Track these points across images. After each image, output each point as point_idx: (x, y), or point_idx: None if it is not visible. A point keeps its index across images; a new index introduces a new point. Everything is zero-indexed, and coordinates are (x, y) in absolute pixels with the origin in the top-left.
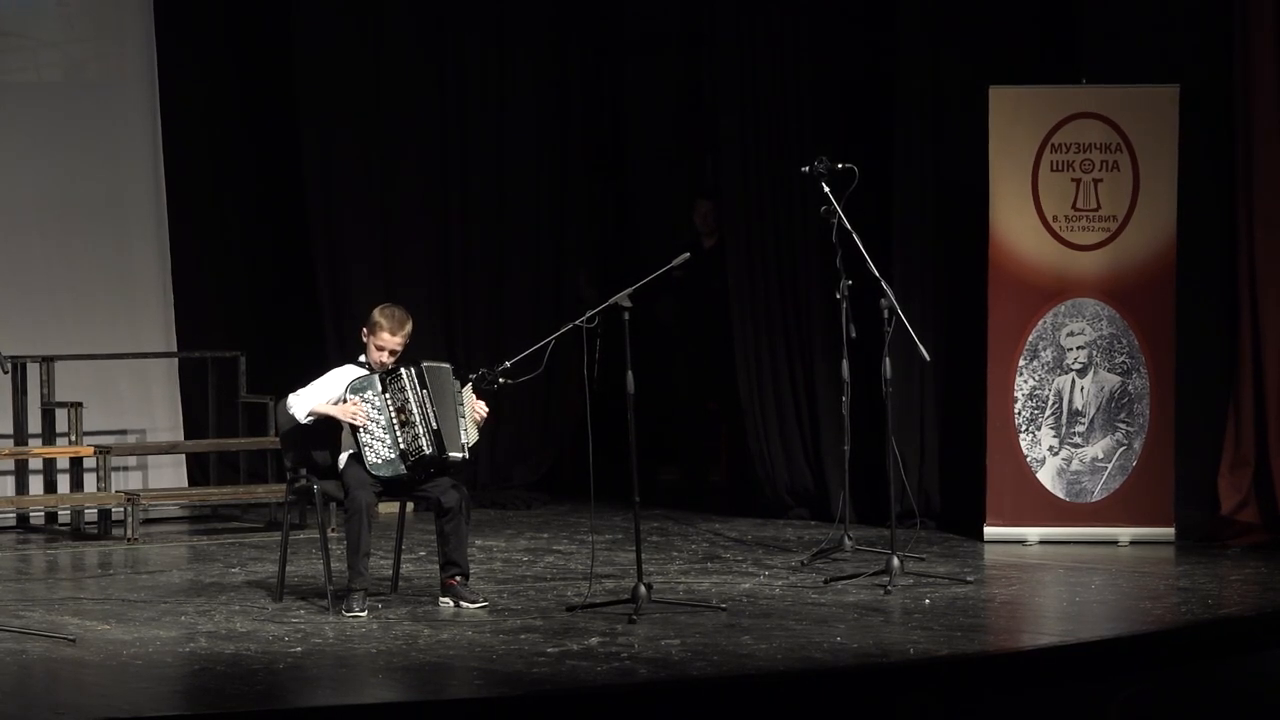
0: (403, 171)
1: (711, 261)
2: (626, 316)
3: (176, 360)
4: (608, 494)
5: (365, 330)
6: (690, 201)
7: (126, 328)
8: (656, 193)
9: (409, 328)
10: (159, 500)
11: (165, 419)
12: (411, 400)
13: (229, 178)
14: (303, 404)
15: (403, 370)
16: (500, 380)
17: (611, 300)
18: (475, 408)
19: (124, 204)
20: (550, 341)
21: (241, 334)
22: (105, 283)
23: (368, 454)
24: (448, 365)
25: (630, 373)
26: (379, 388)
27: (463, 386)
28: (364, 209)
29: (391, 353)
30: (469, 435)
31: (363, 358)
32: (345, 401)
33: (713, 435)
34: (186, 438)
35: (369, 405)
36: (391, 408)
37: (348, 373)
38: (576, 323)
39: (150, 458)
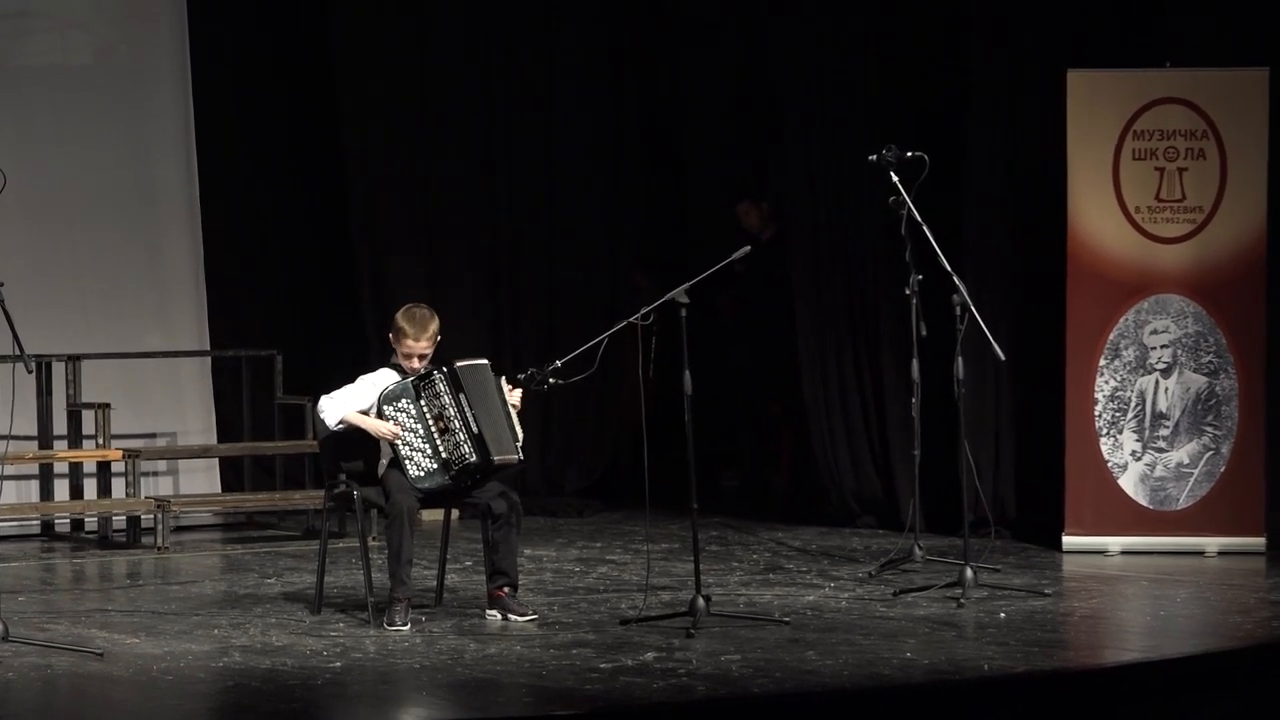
0: (447, 162)
1: (771, 253)
2: (684, 312)
3: (209, 359)
4: (664, 501)
5: (391, 336)
6: (735, 205)
7: (157, 325)
8: (716, 184)
9: (435, 327)
10: (190, 507)
11: (197, 421)
12: (449, 405)
13: (265, 167)
14: (334, 410)
15: (435, 374)
16: (550, 380)
17: (668, 295)
18: (511, 399)
19: (154, 194)
20: (604, 339)
21: (278, 332)
22: (134, 277)
23: (409, 467)
24: (484, 361)
25: (688, 372)
26: (412, 394)
27: (498, 379)
28: (406, 201)
29: (421, 357)
30: (515, 434)
31: (396, 359)
32: (379, 414)
33: (775, 438)
34: (220, 441)
35: (404, 415)
36: (429, 415)
37: (382, 379)
38: (631, 319)
39: (181, 462)
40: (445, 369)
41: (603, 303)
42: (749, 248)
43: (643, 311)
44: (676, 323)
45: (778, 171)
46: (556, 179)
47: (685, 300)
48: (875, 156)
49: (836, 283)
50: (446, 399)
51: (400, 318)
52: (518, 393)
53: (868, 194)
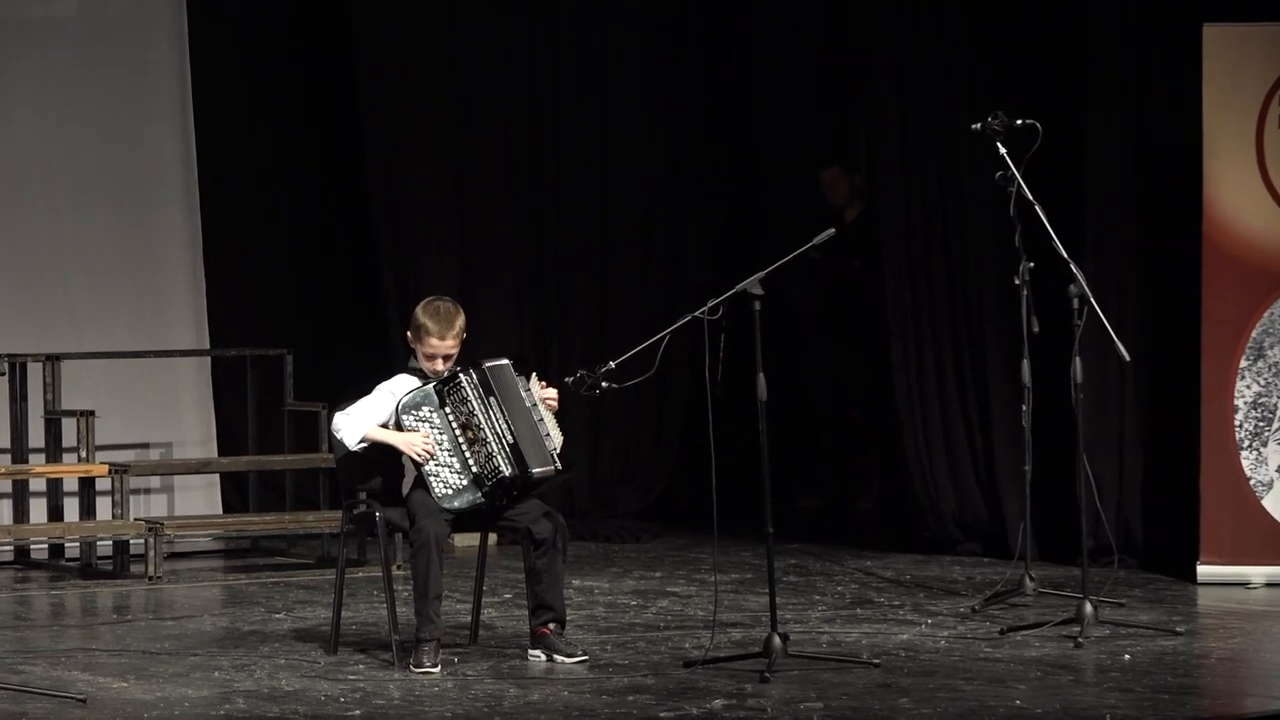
0: (483, 136)
1: (857, 237)
2: (757, 306)
3: (209, 360)
4: (734, 524)
5: (409, 335)
6: (819, 173)
7: (149, 320)
8: (792, 161)
9: (461, 323)
10: (187, 530)
11: (195, 431)
12: (478, 411)
13: (274, 141)
14: (352, 428)
15: (462, 376)
16: (603, 385)
17: (739, 287)
18: (545, 398)
19: (146, 170)
20: (664, 337)
21: (288, 330)
22: (123, 266)
23: (435, 485)
24: (505, 360)
25: (762, 375)
26: (436, 402)
27: (528, 378)
28: (437, 180)
29: (445, 358)
30: (553, 440)
31: (415, 363)
32: (398, 426)
33: (862, 452)
34: (221, 454)
35: (426, 425)
36: (455, 425)
37: (401, 385)
38: (697, 314)
39: (177, 478)
40: (473, 370)
41: (663, 296)
42: (832, 230)
43: (709, 305)
44: (749, 318)
45: (864, 142)
46: (611, 158)
47: (759, 292)
48: (980, 124)
49: (934, 271)
50: (475, 404)
51: (421, 313)
52: (553, 391)
53: (970, 168)
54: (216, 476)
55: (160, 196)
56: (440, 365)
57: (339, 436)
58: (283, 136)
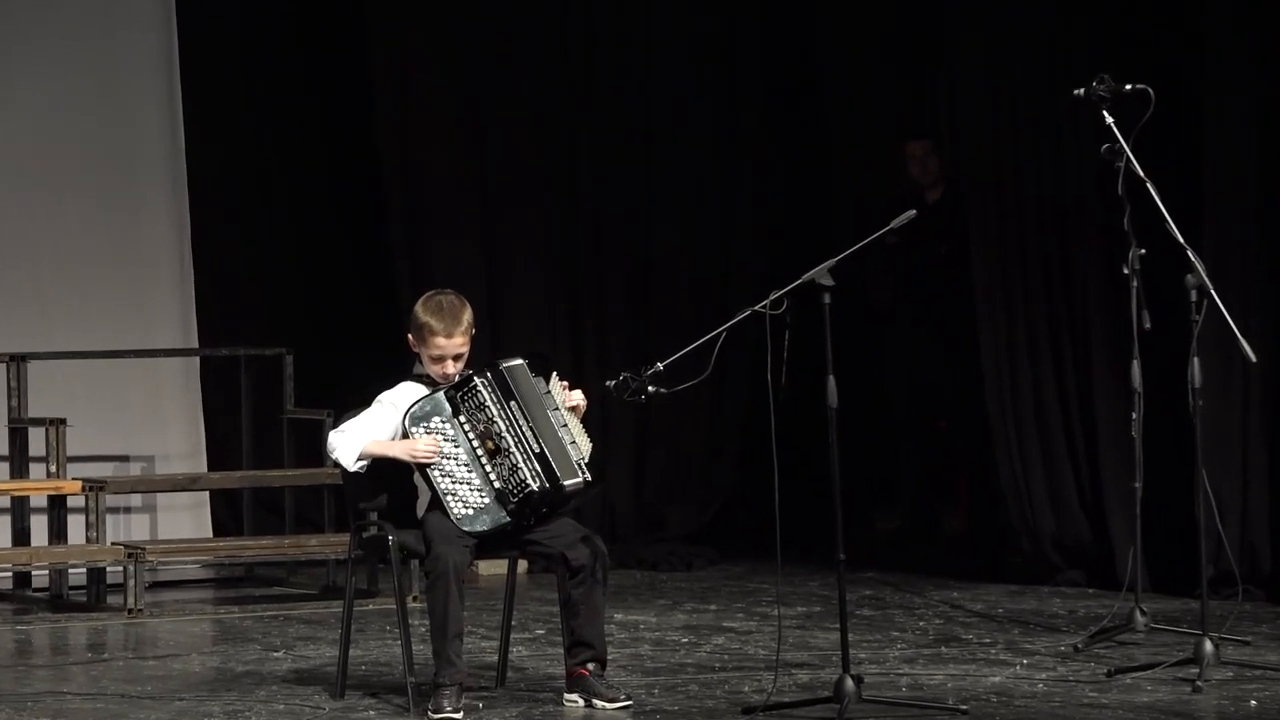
0: (509, 111)
1: (939, 220)
2: (827, 299)
3: (197, 360)
4: (800, 549)
5: (411, 338)
6: (901, 146)
7: (129, 316)
8: (864, 134)
9: (469, 317)
10: (172, 556)
11: (181, 442)
12: (498, 418)
13: (272, 115)
14: (348, 446)
15: (476, 379)
16: (649, 389)
17: (806, 277)
18: (571, 400)
19: (127, 148)
20: (720, 334)
21: (287, 326)
22: (100, 255)
23: (452, 505)
24: (520, 360)
25: (832, 378)
26: (448, 410)
27: (548, 379)
28: (457, 160)
29: (456, 359)
30: (581, 447)
31: (420, 369)
32: (407, 437)
33: (948, 466)
34: (210, 468)
35: (439, 437)
36: (472, 435)
37: (404, 396)
38: (757, 308)
39: (161, 496)
40: (489, 372)
41: (717, 287)
42: (913, 212)
43: (771, 297)
44: (817, 312)
45: (946, 112)
46: (655, 135)
47: (829, 282)
48: (1083, 90)
49: (1029, 258)
50: (494, 410)
51: (421, 311)
52: (578, 393)
53: (1072, 141)
54: (206, 495)
55: (142, 177)
56: (451, 368)
57: (335, 456)
58: (282, 113)
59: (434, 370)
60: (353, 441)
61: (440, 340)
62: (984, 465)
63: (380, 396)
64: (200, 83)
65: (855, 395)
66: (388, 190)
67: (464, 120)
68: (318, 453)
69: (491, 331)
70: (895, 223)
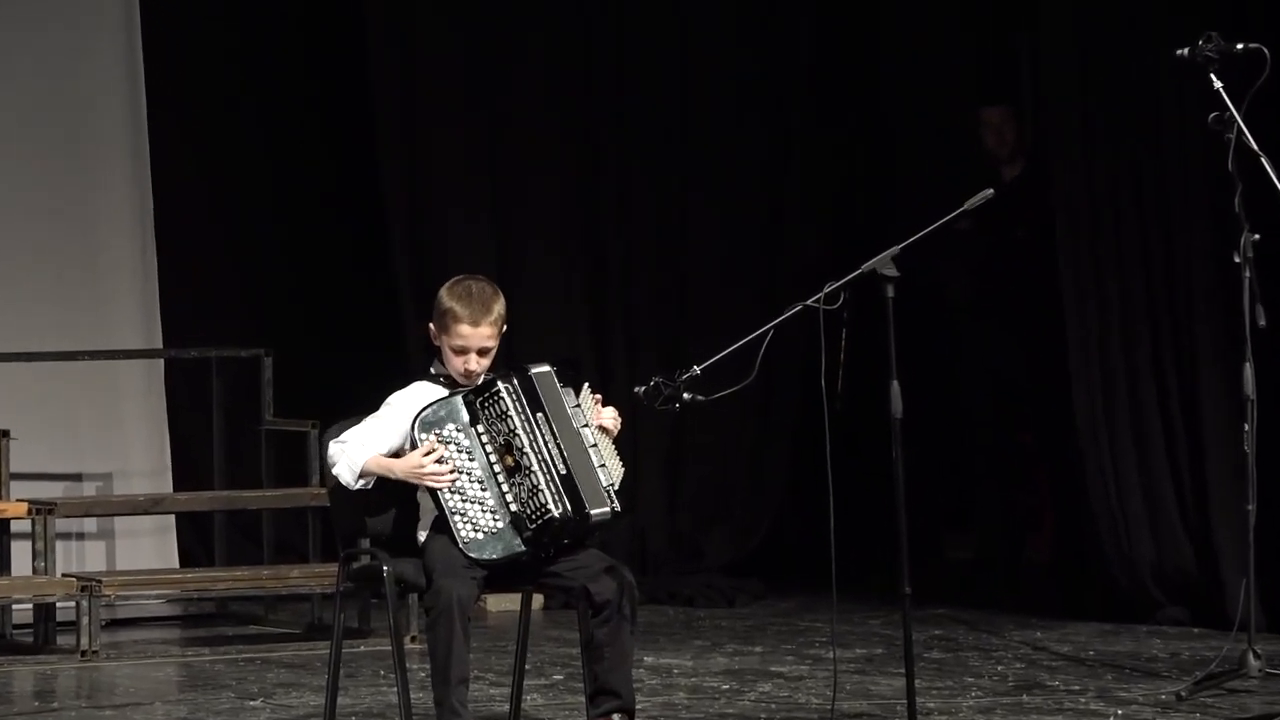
0: (525, 81)
1: (1019, 200)
2: (891, 292)
3: (161, 364)
4: (860, 581)
5: (432, 327)
6: (975, 113)
7: (83, 314)
8: (931, 102)
9: (500, 309)
10: (133, 589)
11: (143, 457)
12: (520, 431)
13: (248, 81)
14: (349, 460)
15: (500, 384)
16: (685, 397)
17: (867, 266)
18: (602, 419)
19: (79, 122)
20: (767, 333)
21: (266, 324)
22: (50, 244)
23: (460, 527)
24: (549, 367)
25: (896, 384)
26: (465, 417)
27: (578, 391)
28: (464, 133)
29: (481, 353)
30: (611, 472)
31: (435, 368)
32: (416, 446)
33: (1030, 485)
34: (177, 488)
35: (453, 447)
36: (489, 448)
37: (417, 397)
38: (810, 302)
39: (119, 521)
40: (515, 377)
41: (762, 277)
42: (990, 191)
43: (826, 290)
44: (879, 307)
45: (1028, 77)
46: (692, 109)
47: (892, 273)
48: (1187, 50)
49: (1124, 245)
50: (517, 421)
51: (446, 296)
52: (611, 410)
53: (1175, 107)
54: (171, 519)
55: (98, 158)
56: (474, 364)
57: (335, 470)
58: (260, 80)
59: (454, 365)
60: (354, 455)
61: (465, 329)
62: (1072, 484)
63: (390, 398)
64: (164, 45)
65: (923, 403)
66: (384, 168)
67: (473, 88)
68: (300, 469)
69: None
70: (969, 204)
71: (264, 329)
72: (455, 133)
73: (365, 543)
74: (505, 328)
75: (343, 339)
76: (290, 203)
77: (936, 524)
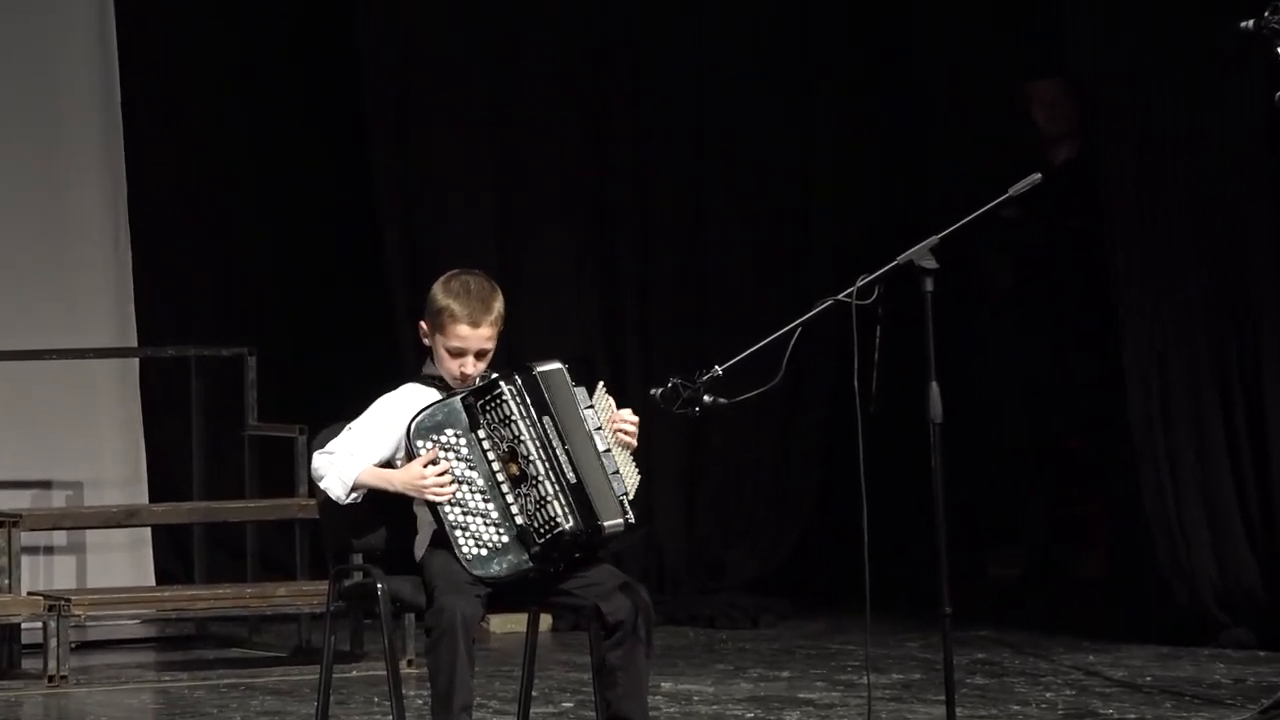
0: (532, 54)
1: (1070, 186)
2: (929, 286)
3: (136, 364)
4: (894, 602)
5: (424, 325)
6: (1021, 87)
7: (51, 309)
8: (970, 76)
9: (500, 308)
10: (105, 609)
11: (116, 465)
12: (526, 436)
13: (231, 65)
14: (338, 473)
15: (503, 385)
16: (705, 399)
17: (903, 257)
18: (617, 421)
19: (48, 106)
20: (794, 330)
21: (249, 321)
22: (17, 236)
23: (463, 542)
24: (559, 364)
25: (935, 385)
26: (464, 422)
27: (591, 390)
28: (463, 110)
29: (479, 356)
30: (626, 480)
31: (430, 368)
32: (410, 455)
33: (1081, 496)
34: (153, 499)
35: (451, 455)
36: (492, 455)
37: (407, 400)
38: (841, 297)
39: (91, 534)
40: (518, 376)
41: (788, 269)
42: (1038, 176)
43: (859, 283)
44: (916, 302)
45: (1075, 50)
46: (710, 67)
47: (931, 264)
48: (1251, 22)
49: (1182, 235)
50: (521, 425)
51: (441, 293)
52: (629, 413)
53: (1235, 83)
54: (147, 532)
55: (68, 144)
56: (471, 367)
57: (323, 484)
58: (243, 59)
59: (449, 367)
60: (343, 466)
61: (463, 329)
62: (1126, 495)
63: (379, 401)
64: (139, 28)
65: (964, 407)
66: (375, 153)
67: (473, 62)
68: (287, 478)
69: (505, 326)
70: (1015, 189)
71: (247, 327)
72: (453, 112)
73: (358, 558)
74: (504, 326)
75: (332, 337)
76: (275, 192)
77: (979, 538)
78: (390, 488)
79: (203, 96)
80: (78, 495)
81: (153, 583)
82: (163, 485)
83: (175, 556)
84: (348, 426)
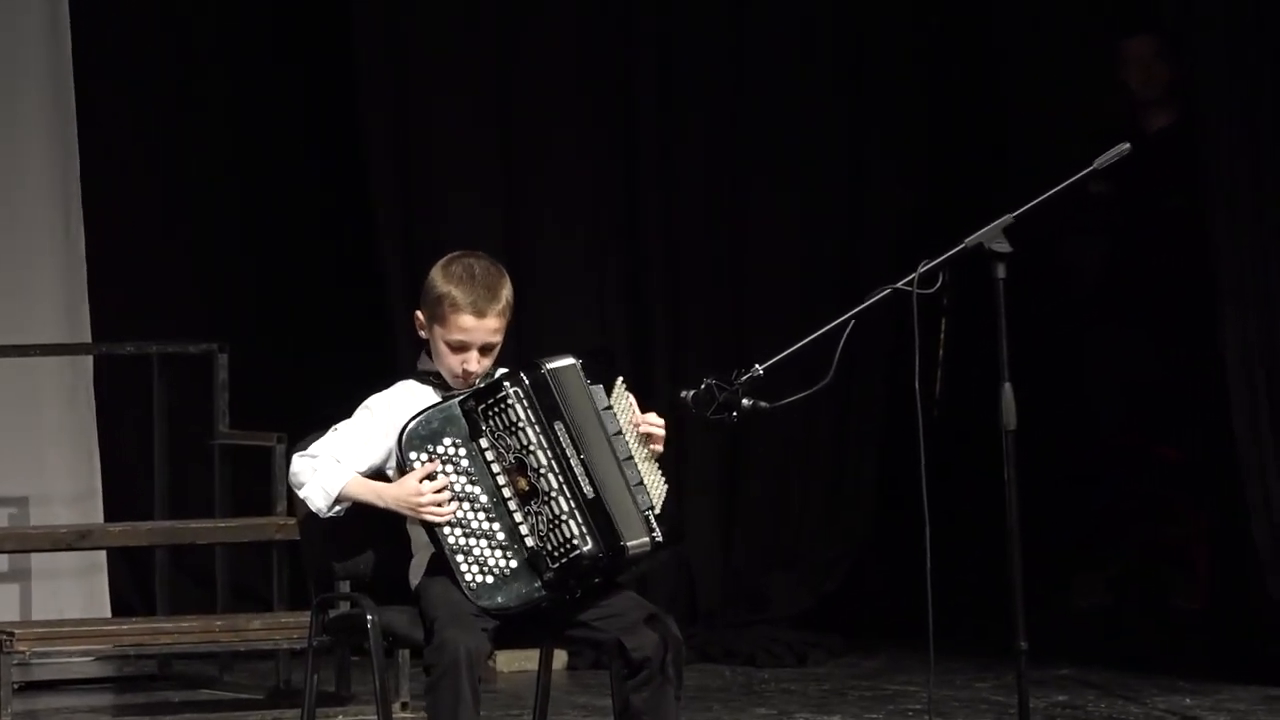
0: (544, 17)
1: (1167, 159)
2: (1002, 273)
3: (89, 361)
4: (961, 634)
5: (421, 314)
6: (1111, 46)
7: None
8: (1049, 35)
9: (508, 296)
10: (54, 644)
11: (66, 478)
12: (536, 445)
13: (198, 42)
14: (320, 480)
15: (508, 386)
16: (743, 404)
17: (972, 240)
18: (640, 424)
19: None
20: (847, 323)
21: (220, 317)
22: None
23: (464, 569)
24: (573, 359)
25: (1009, 386)
26: (464, 429)
27: (610, 389)
28: (468, 89)
29: (484, 351)
30: (651, 492)
31: (424, 365)
32: (403, 468)
33: (1178, 514)
34: (109, 517)
35: (450, 469)
36: (496, 468)
37: (402, 400)
38: (900, 285)
39: (37, 558)
40: (526, 375)
41: (837, 256)
42: (1127, 146)
43: (921, 269)
44: (987, 291)
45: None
46: (749, 29)
47: (1004, 248)
48: None
49: None
50: (530, 432)
51: (441, 278)
52: (653, 417)
53: None
54: (102, 556)
55: (19, 115)
56: (474, 365)
57: (303, 493)
58: (221, 31)
59: (449, 363)
60: (327, 474)
61: (467, 320)
62: (1230, 514)
63: (368, 402)
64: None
65: (1044, 411)
66: (370, 132)
67: (479, 25)
68: (263, 494)
69: (514, 317)
70: (1101, 160)
71: (218, 321)
72: (455, 78)
73: (345, 586)
74: (512, 317)
75: (315, 332)
76: (252, 172)
77: (1060, 561)
78: (380, 503)
79: (163, 66)
80: (21, 513)
81: (108, 614)
82: (119, 502)
83: (134, 584)
84: (333, 428)
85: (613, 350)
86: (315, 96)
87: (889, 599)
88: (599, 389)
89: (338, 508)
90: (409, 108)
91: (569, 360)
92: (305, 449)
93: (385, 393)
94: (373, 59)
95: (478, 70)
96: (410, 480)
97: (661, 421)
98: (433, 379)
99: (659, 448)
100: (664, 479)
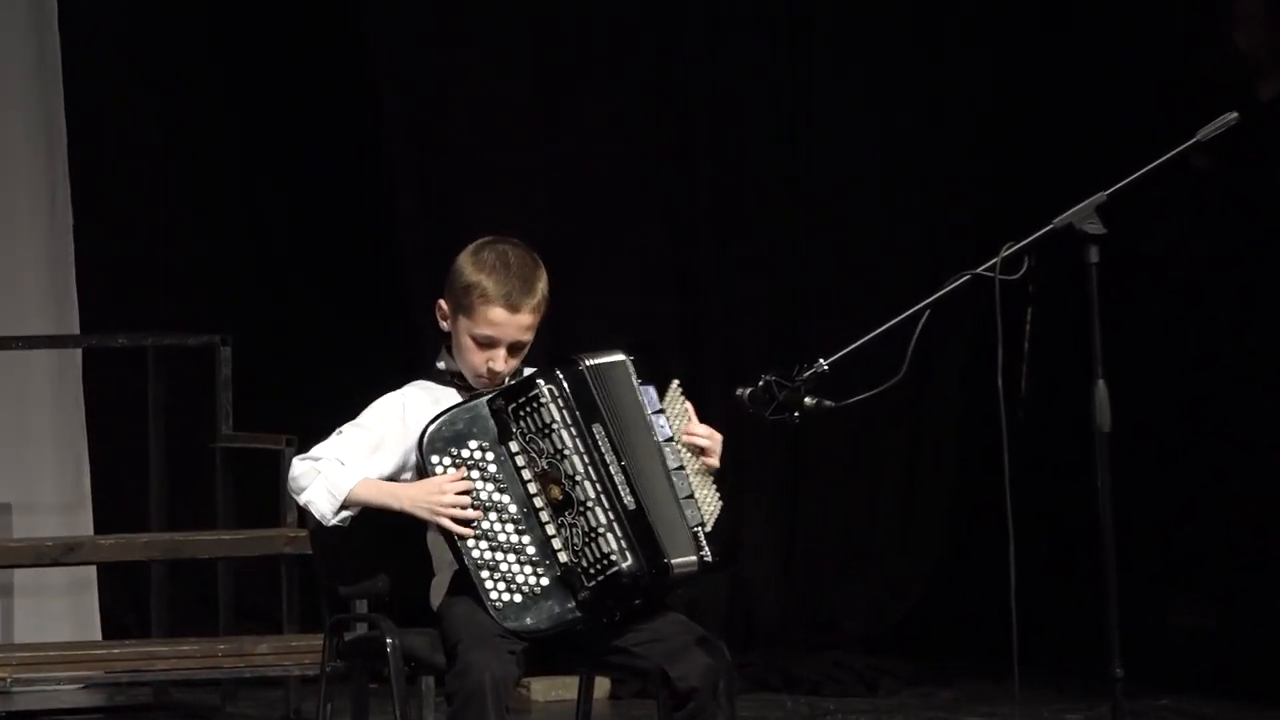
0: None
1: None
2: (1095, 257)
3: (78, 355)
4: (1049, 661)
5: (444, 304)
6: (1217, 2)
7: None
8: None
9: (543, 289)
10: (40, 669)
11: (54, 486)
12: (571, 450)
13: (198, 20)
14: (328, 481)
15: (542, 384)
16: (806, 403)
17: (1060, 221)
18: (692, 435)
19: None
20: (921, 313)
21: (224, 309)
22: None
23: (490, 586)
24: (621, 355)
25: (1102, 384)
26: (493, 432)
27: (662, 391)
28: (495, 55)
29: (513, 350)
30: (703, 507)
31: (444, 363)
32: (422, 473)
33: None
34: (100, 528)
35: (476, 475)
36: (527, 474)
37: (419, 401)
38: (980, 271)
39: (21, 574)
40: (561, 373)
41: (909, 239)
42: (1234, 116)
43: (1004, 253)
44: (1078, 278)
45: None
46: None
47: (1098, 230)
48: None
49: None
50: (565, 435)
51: (469, 266)
52: (706, 429)
53: None
54: (92, 572)
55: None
56: (500, 364)
57: (303, 500)
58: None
59: (472, 361)
60: (332, 476)
61: (498, 313)
62: None
63: (379, 402)
64: None
65: (1140, 412)
66: (388, 109)
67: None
68: (271, 503)
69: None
70: (1205, 131)
71: (221, 313)
72: (483, 67)
73: (361, 606)
74: (545, 311)
75: (327, 324)
76: (259, 155)
77: (1159, 578)
78: (396, 505)
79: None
80: (3, 524)
81: (99, 637)
82: (112, 511)
83: (127, 603)
84: (337, 430)
85: (661, 347)
86: (321, 70)
87: (968, 621)
88: (650, 390)
89: (345, 513)
90: (432, 72)
91: (618, 356)
92: (307, 452)
93: (397, 393)
94: (390, 48)
95: (513, 37)
96: (435, 480)
97: (713, 433)
98: (453, 379)
99: (714, 462)
100: (719, 495)
